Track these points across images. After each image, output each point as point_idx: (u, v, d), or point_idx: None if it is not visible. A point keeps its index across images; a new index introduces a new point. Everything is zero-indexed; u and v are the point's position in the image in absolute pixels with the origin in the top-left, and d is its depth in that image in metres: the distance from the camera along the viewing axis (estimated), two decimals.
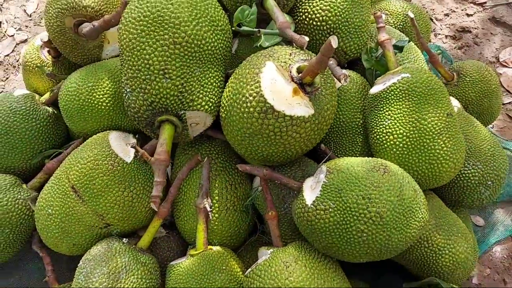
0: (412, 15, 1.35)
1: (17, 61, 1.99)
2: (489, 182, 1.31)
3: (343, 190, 1.01)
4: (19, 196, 1.40)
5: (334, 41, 0.92)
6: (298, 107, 1.03)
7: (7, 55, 2.00)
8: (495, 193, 1.35)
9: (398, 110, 1.16)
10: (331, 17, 1.30)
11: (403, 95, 1.16)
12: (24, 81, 1.64)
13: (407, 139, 1.14)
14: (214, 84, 1.15)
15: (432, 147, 1.13)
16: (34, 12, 2.10)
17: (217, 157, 1.30)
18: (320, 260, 1.08)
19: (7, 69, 1.98)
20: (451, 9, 2.16)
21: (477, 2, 2.17)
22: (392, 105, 1.17)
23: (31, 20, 2.08)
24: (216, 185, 1.26)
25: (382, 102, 1.19)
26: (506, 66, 2.00)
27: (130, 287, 1.13)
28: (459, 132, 1.18)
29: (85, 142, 1.28)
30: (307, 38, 1.11)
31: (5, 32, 2.05)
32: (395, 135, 1.16)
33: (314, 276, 1.03)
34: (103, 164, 1.19)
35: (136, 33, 1.08)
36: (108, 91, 1.29)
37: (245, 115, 1.05)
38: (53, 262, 1.41)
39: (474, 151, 1.32)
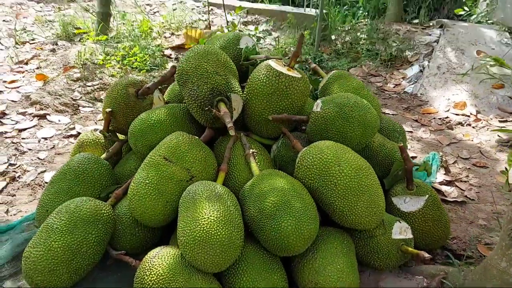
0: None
1: (42, 181, 2.40)
2: (398, 130, 2.18)
3: (334, 99, 1.81)
4: (105, 202, 1.77)
5: (302, 34, 1.88)
6: (293, 74, 1.87)
7: (33, 180, 2.41)
8: (404, 137, 2.21)
9: (337, 85, 2.07)
10: None
11: (336, 79, 2.09)
12: None
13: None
14: (238, 85, 1.94)
15: (362, 94, 2.02)
16: (46, 157, 2.62)
17: (245, 137, 1.95)
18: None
19: (33, 188, 2.36)
20: None
21: None
22: (333, 85, 2.08)
23: (44, 161, 2.59)
24: (252, 147, 1.88)
25: (328, 87, 2.10)
26: None
27: (224, 191, 1.59)
28: (368, 92, 2.12)
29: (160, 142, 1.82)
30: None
31: (24, 170, 2.50)
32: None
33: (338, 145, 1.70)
34: (184, 137, 1.76)
35: (196, 59, 1.87)
36: (168, 114, 1.93)
37: (266, 82, 1.82)
38: None
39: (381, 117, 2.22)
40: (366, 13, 5.51)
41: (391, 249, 1.66)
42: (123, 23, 4.74)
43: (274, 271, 1.54)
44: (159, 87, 2.07)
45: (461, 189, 2.54)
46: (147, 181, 1.66)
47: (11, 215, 2.12)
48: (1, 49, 4.11)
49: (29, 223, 2.02)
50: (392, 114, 3.50)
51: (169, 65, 3.56)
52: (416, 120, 3.40)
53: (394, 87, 4.03)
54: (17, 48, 4.13)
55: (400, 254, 1.67)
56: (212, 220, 1.45)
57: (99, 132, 2.13)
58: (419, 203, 1.82)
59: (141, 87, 2.06)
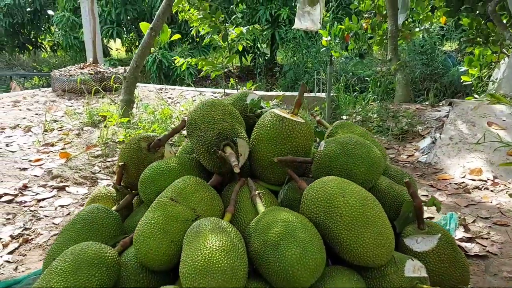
0: None
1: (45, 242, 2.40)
2: (406, 179, 2.16)
3: (337, 139, 1.85)
4: (110, 247, 1.76)
5: (304, 84, 1.99)
6: (297, 118, 1.94)
7: (45, 241, 2.42)
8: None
9: (341, 132, 2.12)
10: None
11: (339, 128, 2.15)
12: None
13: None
14: (244, 133, 2.00)
15: (367, 139, 2.05)
16: (61, 221, 2.66)
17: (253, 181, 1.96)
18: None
19: (45, 248, 2.36)
20: None
21: None
22: (337, 133, 2.13)
23: (58, 226, 2.61)
24: (259, 189, 1.89)
25: (332, 135, 2.14)
26: None
27: (229, 225, 1.58)
28: (372, 138, 2.14)
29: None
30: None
31: (38, 233, 2.52)
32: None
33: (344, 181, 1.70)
34: (191, 179, 1.80)
35: (204, 109, 1.98)
36: (177, 162, 1.99)
37: (271, 126, 1.90)
38: None
39: (388, 166, 2.22)
40: (376, 96, 5.73)
41: None
42: (145, 112, 5.04)
43: None
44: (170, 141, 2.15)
45: (483, 245, 2.42)
46: (152, 222, 1.67)
47: (19, 272, 2.10)
48: (31, 136, 4.37)
49: (36, 277, 1.99)
50: None
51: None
52: (432, 185, 3.35)
53: (407, 157, 4.04)
54: (46, 134, 4.39)
55: None
56: (214, 249, 1.42)
57: (112, 186, 2.18)
58: (432, 242, 1.74)
59: (152, 140, 2.15)
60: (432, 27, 8.44)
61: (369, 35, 7.48)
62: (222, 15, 3.91)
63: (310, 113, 2.51)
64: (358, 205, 1.56)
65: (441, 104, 5.48)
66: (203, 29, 4.44)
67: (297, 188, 1.88)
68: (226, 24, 4.05)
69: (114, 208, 2.08)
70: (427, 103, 5.83)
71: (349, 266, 1.62)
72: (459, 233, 2.54)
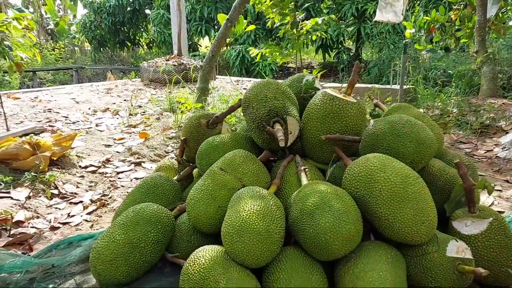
0: None
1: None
2: (466, 163, 2.07)
3: (387, 118, 1.84)
4: (167, 209, 1.92)
5: (358, 63, 2.00)
6: (348, 98, 1.96)
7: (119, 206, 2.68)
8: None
9: (397, 113, 2.09)
10: None
11: (396, 110, 2.12)
12: None
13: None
14: (296, 111, 2.06)
15: (423, 121, 2.01)
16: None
17: (300, 158, 2.02)
18: None
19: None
20: None
21: None
22: (391, 113, 2.10)
23: None
24: (306, 165, 1.94)
25: (389, 115, 2.12)
26: None
27: (270, 195, 1.66)
28: (430, 120, 2.08)
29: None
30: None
31: (114, 199, 2.80)
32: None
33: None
34: (241, 152, 1.90)
35: (258, 88, 2.07)
36: (230, 138, 2.11)
37: (322, 105, 1.93)
38: None
39: (445, 151, 2.14)
40: (458, 90, 5.41)
41: (445, 268, 1.52)
42: (219, 101, 5.28)
43: (313, 272, 1.50)
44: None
45: None
46: (203, 188, 1.80)
47: (94, 229, 2.37)
48: (117, 118, 4.81)
49: None
50: (480, 175, 3.27)
51: None
52: (507, 181, 3.13)
53: (485, 152, 3.79)
54: (130, 117, 4.80)
55: (458, 276, 1.52)
56: (252, 213, 1.51)
57: (175, 159, 2.37)
58: (482, 226, 1.67)
59: (210, 118, 2.30)
60: None
61: (456, 27, 7.06)
62: (292, 3, 3.97)
63: (368, 95, 2.50)
64: (398, 181, 1.55)
65: None
66: (278, 20, 4.54)
67: (343, 166, 1.90)
68: (296, 11, 4.11)
69: (175, 178, 2.25)
70: None
71: (390, 242, 1.62)
72: None
